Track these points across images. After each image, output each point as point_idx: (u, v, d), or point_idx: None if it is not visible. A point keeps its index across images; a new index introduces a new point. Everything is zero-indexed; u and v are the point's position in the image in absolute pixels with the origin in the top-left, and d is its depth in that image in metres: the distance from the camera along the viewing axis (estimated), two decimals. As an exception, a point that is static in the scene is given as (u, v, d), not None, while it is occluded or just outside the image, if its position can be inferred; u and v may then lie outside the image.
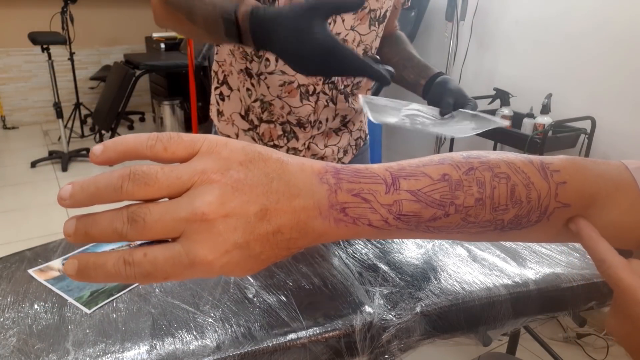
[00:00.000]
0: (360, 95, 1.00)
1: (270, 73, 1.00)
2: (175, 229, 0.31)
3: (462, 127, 0.95)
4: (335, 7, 0.68)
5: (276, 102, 1.03)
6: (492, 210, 0.39)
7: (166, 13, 0.86)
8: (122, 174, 0.31)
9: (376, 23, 1.00)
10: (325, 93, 1.03)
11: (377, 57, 0.97)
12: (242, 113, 1.08)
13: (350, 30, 0.97)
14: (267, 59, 0.99)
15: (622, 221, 0.43)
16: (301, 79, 1.00)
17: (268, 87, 1.02)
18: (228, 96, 1.09)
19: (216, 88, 1.11)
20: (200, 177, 0.31)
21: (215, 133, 1.16)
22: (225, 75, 1.08)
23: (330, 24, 0.94)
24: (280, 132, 1.07)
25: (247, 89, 1.04)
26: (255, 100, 1.04)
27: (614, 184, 0.43)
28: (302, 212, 0.34)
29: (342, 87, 1.05)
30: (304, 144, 1.09)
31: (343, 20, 0.96)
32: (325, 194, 0.35)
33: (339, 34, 0.97)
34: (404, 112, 1.01)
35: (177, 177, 0.31)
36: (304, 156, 1.08)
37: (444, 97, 1.00)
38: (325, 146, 1.13)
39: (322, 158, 1.13)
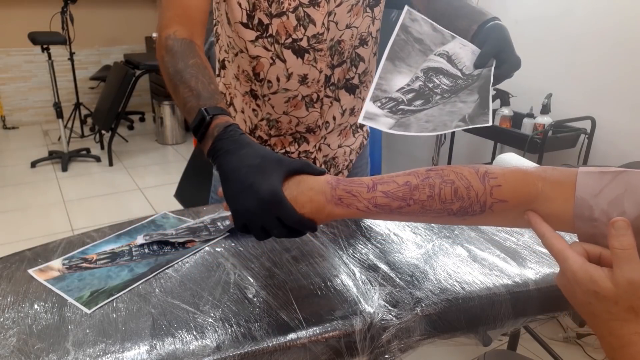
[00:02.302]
0: (406, 7, 0.89)
1: (274, 93, 1.01)
2: None
3: (451, 116, 0.82)
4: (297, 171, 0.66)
5: (283, 118, 1.04)
6: (440, 203, 0.61)
7: (161, 67, 0.85)
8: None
9: (368, 9, 0.99)
10: (328, 96, 1.03)
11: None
12: (248, 132, 1.09)
13: (346, 29, 0.97)
14: (269, 81, 0.99)
15: (561, 211, 0.58)
16: (304, 90, 1.00)
17: (273, 107, 1.03)
18: (234, 117, 1.10)
19: None
20: None
21: None
22: (231, 98, 1.09)
23: (323, 33, 0.94)
24: (290, 140, 1.08)
25: (253, 110, 1.05)
26: (261, 120, 1.06)
27: (552, 184, 0.59)
28: (314, 197, 0.64)
29: (344, 82, 1.04)
30: (315, 145, 1.09)
31: (337, 23, 0.95)
32: (329, 190, 0.64)
33: (332, 39, 0.96)
34: (430, 60, 0.89)
35: None
36: (315, 157, 1.10)
37: (484, 45, 0.89)
38: (339, 146, 1.13)
39: (334, 158, 1.13)
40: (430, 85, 0.87)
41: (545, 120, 2.03)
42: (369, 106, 0.81)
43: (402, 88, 0.86)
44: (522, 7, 2.31)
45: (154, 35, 4.69)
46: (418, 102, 0.84)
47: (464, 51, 0.91)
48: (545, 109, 2.04)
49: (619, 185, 0.55)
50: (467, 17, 0.96)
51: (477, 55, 0.88)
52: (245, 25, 0.94)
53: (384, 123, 0.80)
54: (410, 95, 0.85)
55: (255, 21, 0.93)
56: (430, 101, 0.84)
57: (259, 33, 0.94)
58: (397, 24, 0.89)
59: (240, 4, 0.92)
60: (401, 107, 0.83)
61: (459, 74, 0.89)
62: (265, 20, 0.93)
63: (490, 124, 0.78)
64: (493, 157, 2.48)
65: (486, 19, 0.93)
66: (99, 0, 4.75)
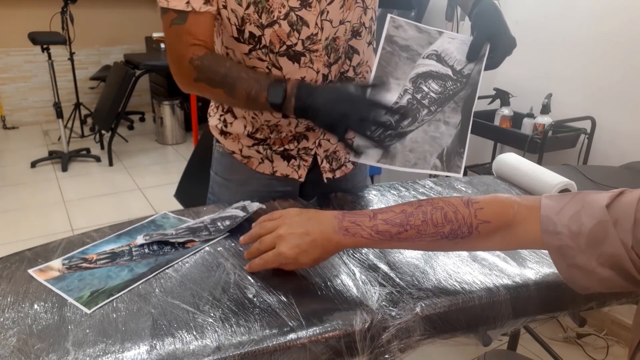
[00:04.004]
0: (389, 15, 0.92)
1: None
2: (272, 243, 0.74)
3: (432, 145, 0.87)
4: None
5: (282, 121, 1.04)
6: (433, 227, 0.70)
7: (197, 88, 0.96)
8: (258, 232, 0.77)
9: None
10: None
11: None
12: (247, 134, 1.09)
13: (340, 25, 0.96)
14: None
15: (533, 231, 0.68)
16: None
17: (272, 112, 1.03)
18: (231, 123, 1.10)
19: (221, 115, 1.12)
20: (280, 223, 0.75)
21: (216, 148, 1.17)
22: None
23: (317, 34, 0.94)
24: (290, 139, 1.08)
25: (252, 117, 1.06)
26: (262, 125, 1.06)
27: (527, 208, 0.70)
28: (324, 230, 0.73)
29: (339, 76, 1.03)
30: (314, 142, 1.09)
31: (331, 22, 0.95)
32: (337, 223, 0.73)
33: (327, 37, 0.96)
34: (419, 66, 0.89)
35: (273, 225, 0.76)
36: (315, 153, 1.10)
37: (474, 34, 0.88)
38: (339, 140, 1.12)
39: (335, 152, 1.13)
40: (419, 96, 0.89)
41: (545, 120, 2.02)
42: (358, 139, 0.87)
43: (391, 108, 0.89)
44: (522, 7, 2.31)
45: (154, 35, 4.70)
46: (406, 122, 0.88)
47: (454, 44, 0.90)
48: (545, 109, 2.04)
49: (577, 203, 0.65)
50: None
51: (468, 45, 0.89)
52: (237, 40, 0.95)
53: (372, 156, 0.88)
54: (397, 115, 0.88)
55: (246, 35, 0.94)
56: (417, 118, 0.88)
57: (251, 46, 0.95)
58: (381, 36, 0.91)
59: (229, 19, 0.93)
60: (389, 132, 0.87)
61: (450, 72, 0.89)
62: (257, 32, 0.93)
63: (460, 175, 0.86)
64: (493, 157, 2.48)
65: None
66: (99, 0, 4.75)
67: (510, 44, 0.87)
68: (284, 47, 0.94)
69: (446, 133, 0.88)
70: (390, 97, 0.89)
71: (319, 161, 1.11)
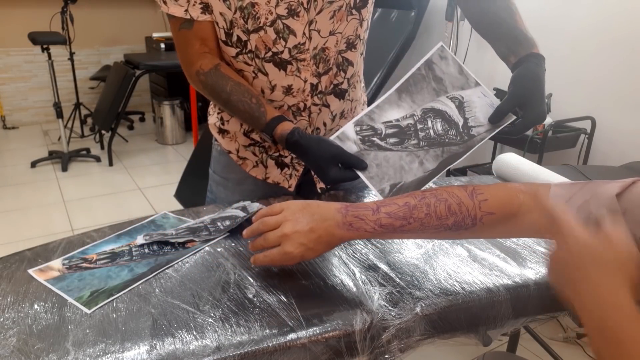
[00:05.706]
0: (440, 43, 0.90)
1: None
2: (277, 241, 0.72)
3: (395, 173, 0.86)
4: (345, 164, 0.86)
5: None
6: (437, 219, 0.69)
7: (205, 93, 1.00)
8: (260, 228, 0.75)
9: (354, 11, 0.96)
10: (315, 104, 1.03)
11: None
12: (244, 133, 1.09)
13: (330, 36, 0.96)
14: None
15: (539, 220, 0.67)
16: (290, 100, 1.01)
17: None
18: (228, 121, 1.10)
19: (218, 113, 1.13)
20: (282, 219, 0.73)
21: (215, 147, 1.18)
22: None
23: (304, 43, 0.94)
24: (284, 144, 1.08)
25: None
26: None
27: (532, 197, 0.68)
28: (329, 226, 0.72)
29: (332, 87, 1.03)
30: None
31: (319, 31, 0.95)
32: (340, 218, 0.72)
33: (316, 47, 0.96)
34: (438, 102, 0.87)
35: (276, 222, 0.73)
36: None
37: (505, 98, 0.85)
38: None
39: None
40: (420, 126, 0.88)
41: (546, 120, 2.02)
42: (347, 127, 0.88)
43: (389, 122, 0.88)
44: (522, 7, 2.31)
45: (154, 35, 4.70)
46: (392, 140, 0.88)
47: (482, 101, 0.88)
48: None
49: (586, 192, 0.65)
50: (506, 42, 0.93)
51: (494, 108, 0.87)
52: (225, 43, 0.96)
53: (347, 149, 0.87)
54: (391, 131, 0.88)
55: (234, 38, 0.94)
56: (404, 143, 0.87)
57: (238, 49, 0.96)
58: (423, 57, 0.89)
59: (217, 23, 0.93)
60: (374, 139, 0.87)
61: (460, 123, 0.88)
62: (243, 37, 0.93)
63: None
64: (493, 157, 2.48)
65: (523, 56, 0.88)
66: (99, 0, 4.75)
67: (539, 117, 0.84)
68: (270, 54, 0.95)
69: (413, 172, 0.87)
70: (397, 114, 0.88)
71: (312, 172, 1.11)
